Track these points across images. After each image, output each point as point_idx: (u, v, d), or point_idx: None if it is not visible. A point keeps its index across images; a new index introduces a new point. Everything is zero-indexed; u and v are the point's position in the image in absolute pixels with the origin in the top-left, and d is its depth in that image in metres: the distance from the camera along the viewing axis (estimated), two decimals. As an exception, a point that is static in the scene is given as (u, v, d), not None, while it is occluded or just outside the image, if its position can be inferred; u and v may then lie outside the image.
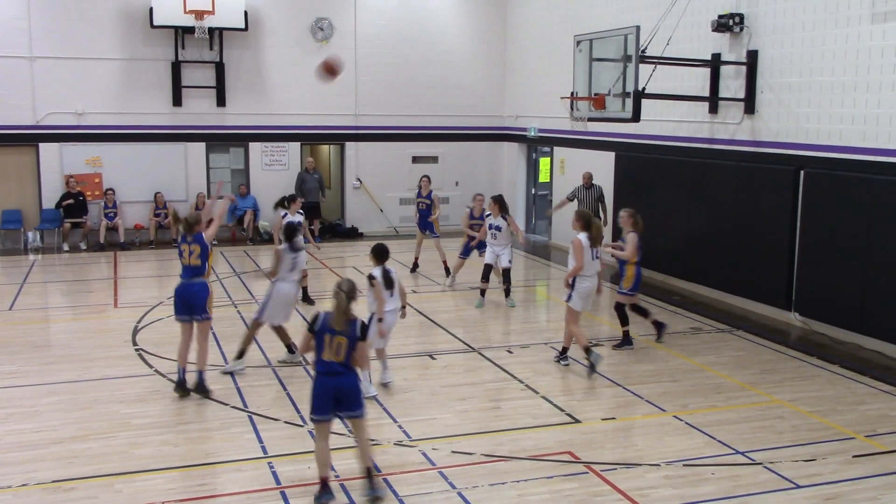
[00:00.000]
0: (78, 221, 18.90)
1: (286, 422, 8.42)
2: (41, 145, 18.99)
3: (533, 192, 21.75)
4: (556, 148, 19.84)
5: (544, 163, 21.47)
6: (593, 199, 15.98)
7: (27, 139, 18.88)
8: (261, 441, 7.94)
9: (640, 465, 7.46)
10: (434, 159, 21.90)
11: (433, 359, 10.70)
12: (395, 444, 7.88)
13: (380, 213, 21.57)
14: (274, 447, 7.78)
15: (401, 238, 20.75)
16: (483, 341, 11.48)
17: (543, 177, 21.52)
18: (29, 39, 18.59)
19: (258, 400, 9.07)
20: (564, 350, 10.51)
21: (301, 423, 8.36)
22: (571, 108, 14.30)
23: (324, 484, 6.73)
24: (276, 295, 10.03)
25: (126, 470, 7.30)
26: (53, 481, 7.07)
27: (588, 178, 16.09)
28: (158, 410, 8.76)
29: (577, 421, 8.56)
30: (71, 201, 18.64)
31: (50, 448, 7.80)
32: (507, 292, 13.67)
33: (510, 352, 10.97)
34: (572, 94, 14.14)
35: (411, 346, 11.22)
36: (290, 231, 10.32)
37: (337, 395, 6.67)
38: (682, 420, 8.57)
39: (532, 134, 20.52)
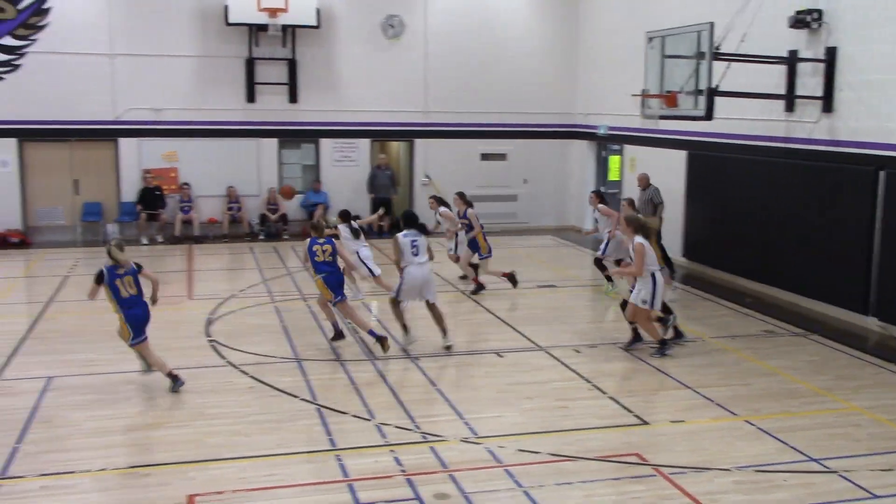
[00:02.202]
0: (154, 214, 19.41)
1: (354, 415, 8.52)
2: (120, 140, 19.54)
3: (602, 190, 21.55)
4: (626, 146, 19.63)
5: (614, 161, 21.26)
6: (644, 202, 15.59)
7: (107, 134, 19.45)
8: (329, 433, 8.04)
9: (710, 469, 7.35)
10: (502, 156, 21.87)
11: (500, 356, 10.70)
12: (461, 440, 7.91)
13: (447, 210, 21.63)
14: (342, 440, 7.88)
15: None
16: (550, 340, 11.42)
17: (613, 175, 21.31)
18: (109, 37, 19.13)
19: (327, 393, 9.19)
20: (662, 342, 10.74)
21: (368, 418, 8.44)
22: (643, 106, 14.13)
23: (172, 375, 9.13)
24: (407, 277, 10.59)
25: (199, 458, 7.47)
26: (130, 467, 7.28)
27: (643, 179, 15.84)
28: (230, 401, 8.94)
29: (645, 423, 8.48)
30: (143, 211, 19.16)
31: (127, 434, 8.04)
32: (609, 279, 13.98)
33: (578, 351, 10.90)
34: (643, 91, 13.97)
35: (478, 344, 11.24)
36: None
37: (144, 320, 9.22)
38: (753, 425, 8.41)
39: (602, 131, 20.33)
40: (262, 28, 19.42)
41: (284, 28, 19.56)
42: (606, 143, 20.87)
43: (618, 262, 13.15)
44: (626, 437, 8.11)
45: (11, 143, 18.99)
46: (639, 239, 10.39)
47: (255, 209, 20.27)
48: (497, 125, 21.65)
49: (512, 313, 13.02)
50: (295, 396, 9.07)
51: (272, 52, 19.98)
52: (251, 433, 8.07)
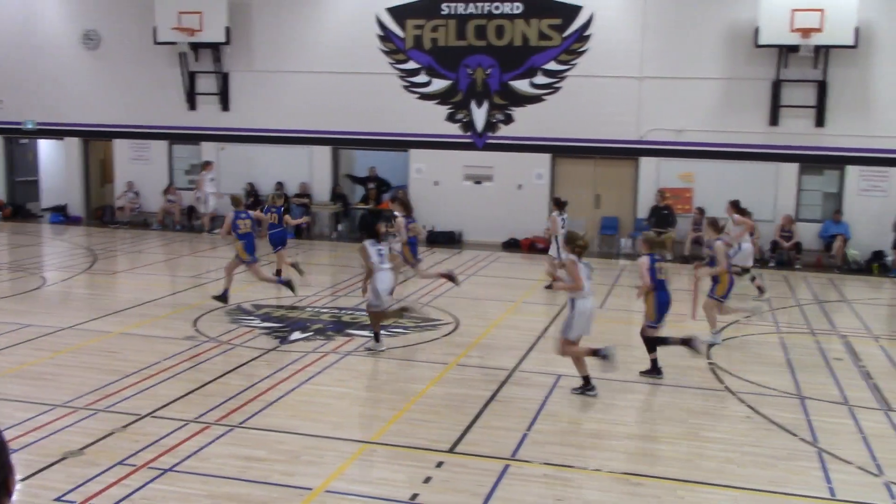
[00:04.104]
0: (663, 232, 19.89)
1: (859, 467, 7.85)
2: (641, 159, 20.42)
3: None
4: None
5: None
6: None
7: (629, 153, 20.46)
8: (829, 481, 7.52)
9: None
10: None
11: None
12: None
13: None
14: (843, 491, 7.31)
15: None
16: None
17: None
18: (640, 61, 20.08)
19: (830, 437, 8.59)
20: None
21: (876, 473, 7.72)
22: None
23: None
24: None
25: (689, 478, 7.51)
26: (623, 473, 7.59)
27: None
28: (726, 427, 8.83)
29: None
30: (651, 228, 19.72)
31: (622, 441, 8.40)
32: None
33: None
34: None
35: None
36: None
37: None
38: None
39: None
40: (793, 49, 18.77)
41: (817, 49, 18.67)
42: None
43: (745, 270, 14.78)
44: None
45: (546, 158, 21.00)
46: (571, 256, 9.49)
47: (767, 235, 19.69)
48: None
49: None
50: (794, 435, 8.64)
51: (801, 73, 19.20)
52: (744, 464, 7.89)
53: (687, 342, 10.14)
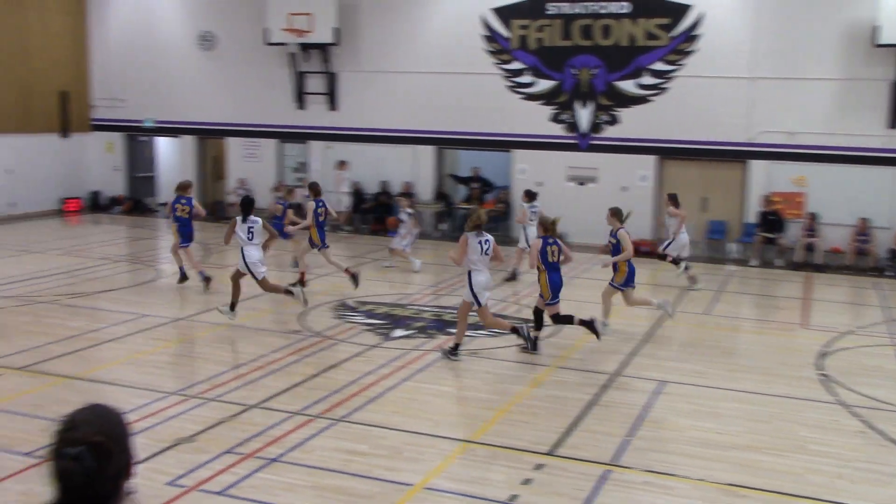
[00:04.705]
0: (772, 237, 19.30)
1: (983, 489, 7.46)
2: (750, 162, 19.85)
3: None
4: None
5: None
6: None
7: (738, 155, 19.92)
8: (948, 503, 7.18)
9: None
10: None
11: None
12: None
13: None
14: (964, 513, 6.97)
15: None
16: None
17: None
18: (751, 61, 19.52)
19: (951, 457, 8.20)
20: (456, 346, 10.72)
21: None
22: None
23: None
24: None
25: (798, 493, 7.28)
26: (728, 484, 7.41)
27: None
28: (836, 441, 8.51)
29: None
30: (760, 234, 19.12)
31: (728, 451, 8.18)
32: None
33: None
34: None
35: None
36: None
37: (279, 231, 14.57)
38: None
39: None
40: (918, 48, 17.95)
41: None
42: None
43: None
44: None
45: (651, 159, 20.64)
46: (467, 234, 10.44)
47: (885, 243, 18.86)
48: None
49: None
50: (910, 453, 8.28)
51: (928, 73, 18.34)
52: (856, 481, 7.59)
53: (588, 323, 11.36)
